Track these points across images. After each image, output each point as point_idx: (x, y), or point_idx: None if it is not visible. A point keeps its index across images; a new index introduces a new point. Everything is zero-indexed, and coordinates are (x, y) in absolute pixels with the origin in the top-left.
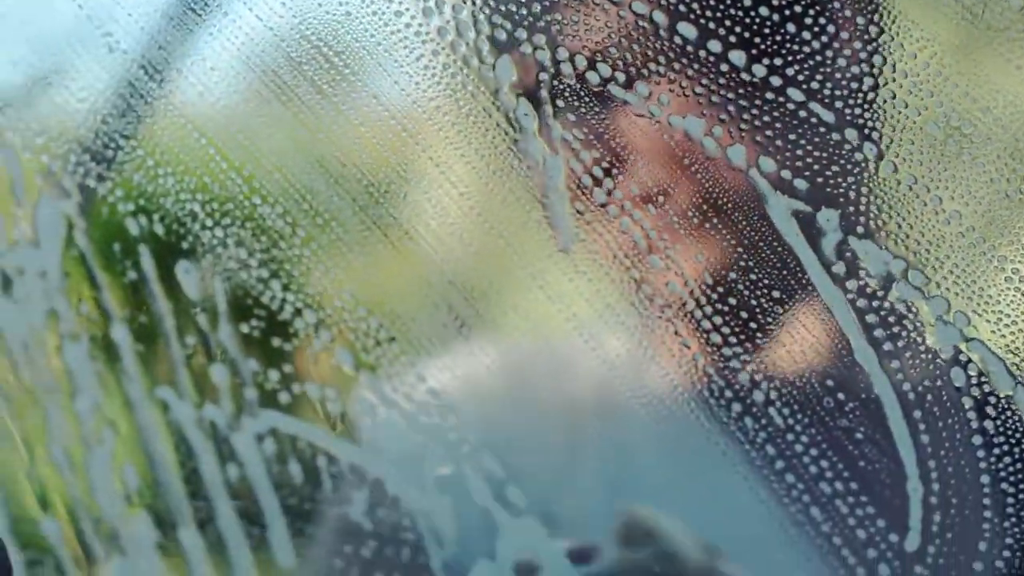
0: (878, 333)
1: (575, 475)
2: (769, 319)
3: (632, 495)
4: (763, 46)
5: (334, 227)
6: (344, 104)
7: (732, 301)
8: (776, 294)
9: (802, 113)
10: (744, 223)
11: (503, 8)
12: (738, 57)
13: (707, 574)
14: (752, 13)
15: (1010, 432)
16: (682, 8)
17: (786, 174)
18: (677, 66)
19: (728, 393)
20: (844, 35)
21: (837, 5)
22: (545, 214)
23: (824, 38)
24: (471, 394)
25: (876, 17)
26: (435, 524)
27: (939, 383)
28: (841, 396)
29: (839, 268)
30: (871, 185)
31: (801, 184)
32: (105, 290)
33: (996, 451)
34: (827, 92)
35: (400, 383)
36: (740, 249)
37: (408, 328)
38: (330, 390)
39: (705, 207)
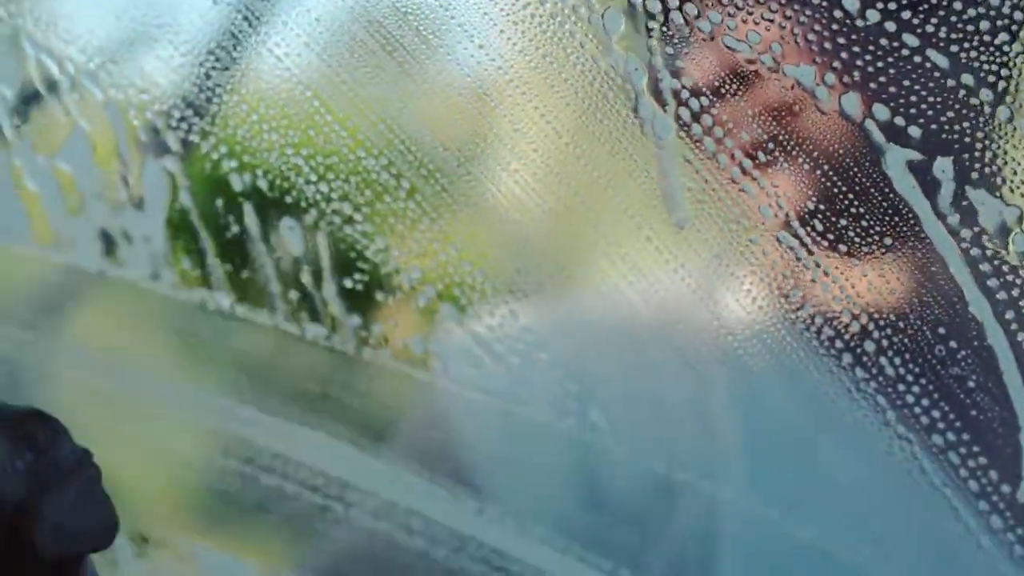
0: (992, 283)
1: (681, 427)
2: (881, 267)
3: (738, 446)
4: None
5: (438, 178)
6: (450, 54)
7: (843, 249)
8: (888, 242)
9: (917, 59)
10: (856, 170)
11: None
12: (851, 3)
13: None
14: None
15: None
16: None
17: (900, 121)
18: (789, 13)
19: (839, 343)
20: None
21: None
22: (655, 167)
23: None
24: (577, 347)
25: None
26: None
27: None
28: (953, 344)
29: (953, 217)
30: (986, 132)
31: (915, 132)
32: (209, 248)
33: None
34: (943, 37)
35: (505, 335)
36: (851, 196)
37: (514, 281)
38: (435, 343)
39: (816, 154)
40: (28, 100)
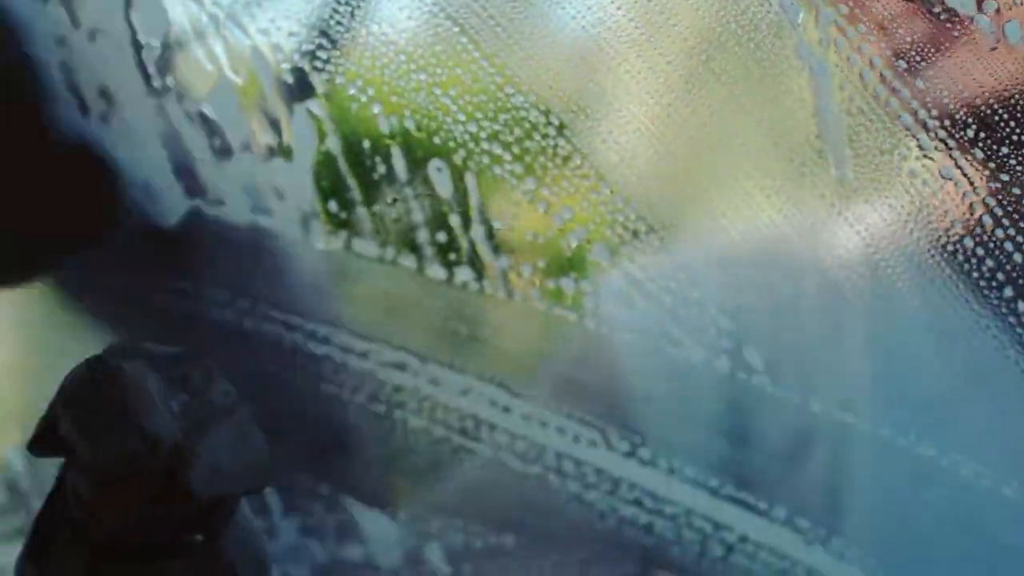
0: None
1: (833, 357)
2: None
3: (892, 376)
4: None
5: (588, 113)
6: None
7: (1004, 178)
8: None
9: None
10: (1018, 97)
11: None
12: None
13: None
14: None
15: None
16: None
17: None
18: None
19: (1000, 276)
20: None
21: None
22: (811, 101)
23: None
24: (731, 284)
25: None
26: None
27: None
28: None
29: None
30: None
31: None
32: (355, 191)
33: None
34: None
35: (657, 274)
36: (1013, 123)
37: (665, 217)
38: (586, 283)
39: (976, 82)
40: (174, 48)
